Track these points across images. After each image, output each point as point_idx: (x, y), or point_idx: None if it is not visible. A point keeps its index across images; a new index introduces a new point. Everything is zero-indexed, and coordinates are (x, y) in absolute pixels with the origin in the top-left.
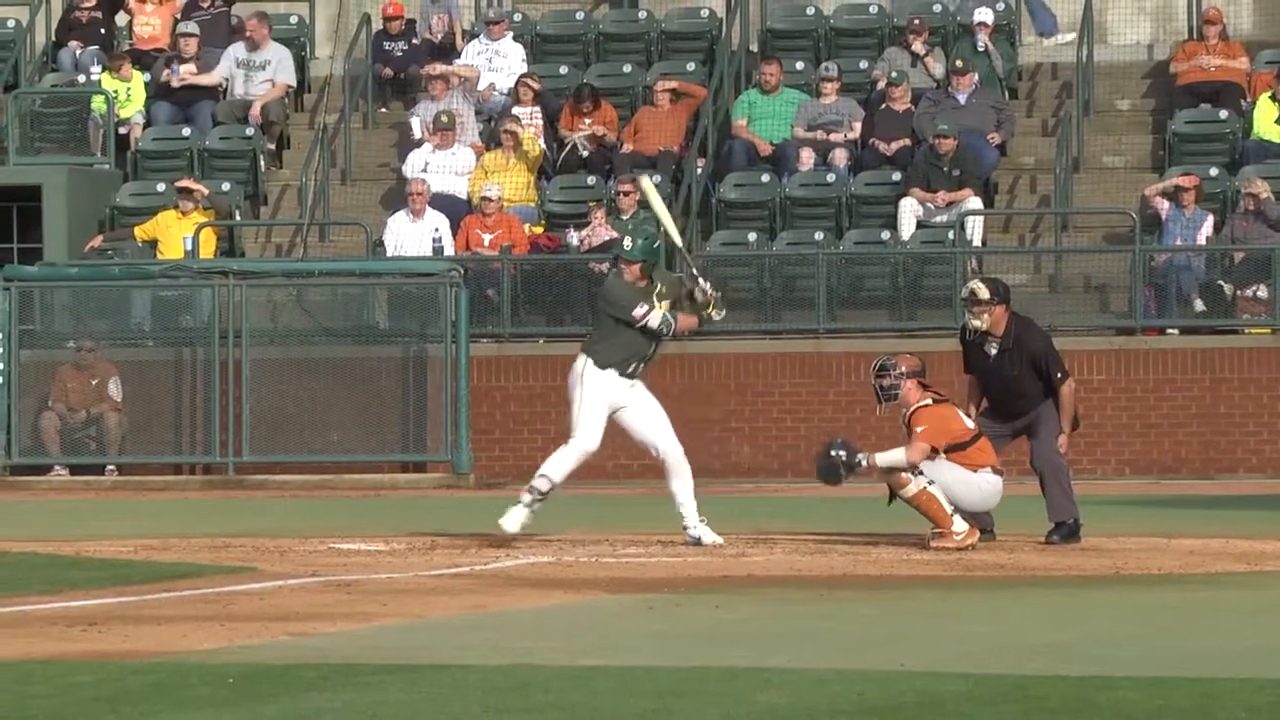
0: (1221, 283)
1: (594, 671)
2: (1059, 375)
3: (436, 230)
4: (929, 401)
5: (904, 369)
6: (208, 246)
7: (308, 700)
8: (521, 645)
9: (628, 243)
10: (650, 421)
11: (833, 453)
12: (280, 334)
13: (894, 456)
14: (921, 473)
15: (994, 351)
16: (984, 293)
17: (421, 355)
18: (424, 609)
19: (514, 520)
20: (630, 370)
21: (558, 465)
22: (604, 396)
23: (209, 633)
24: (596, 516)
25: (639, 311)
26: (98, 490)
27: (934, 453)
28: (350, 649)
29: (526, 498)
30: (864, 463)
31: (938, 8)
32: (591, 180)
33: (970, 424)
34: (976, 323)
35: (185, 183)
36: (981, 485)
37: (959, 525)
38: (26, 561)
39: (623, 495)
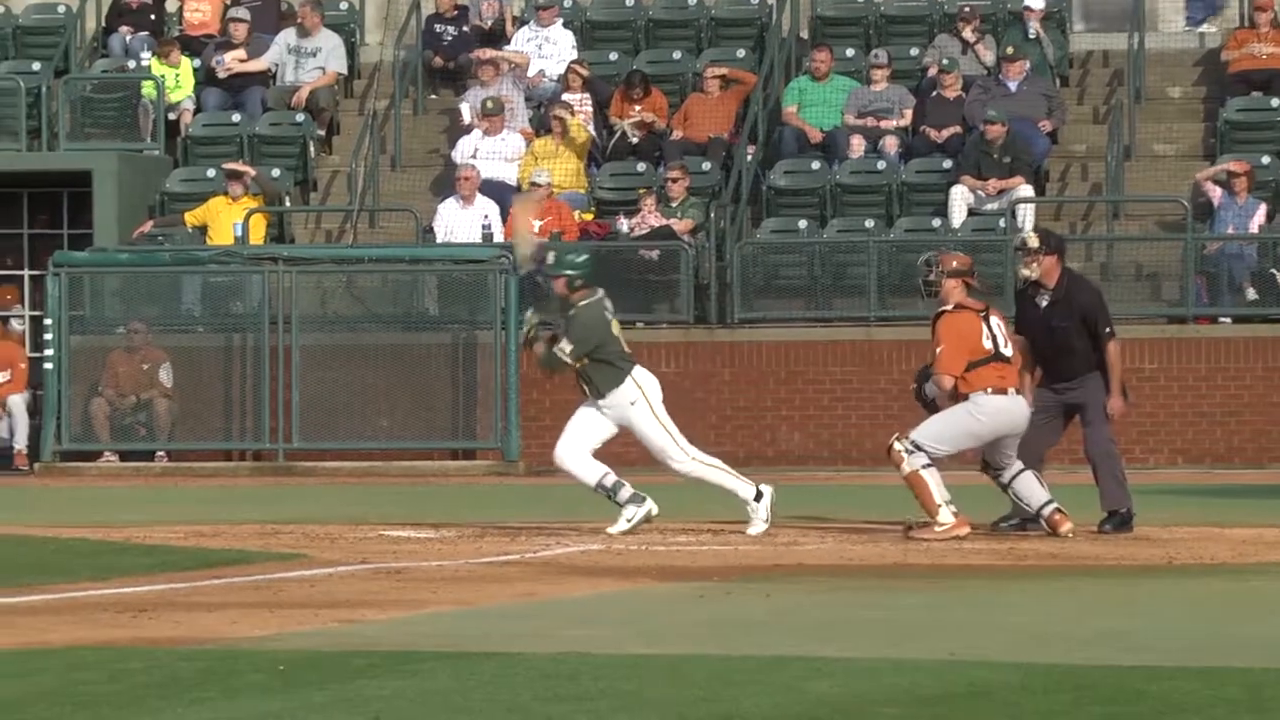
0: (1274, 271)
1: (644, 660)
2: (1107, 331)
3: (486, 216)
4: (950, 307)
5: (954, 265)
6: (257, 232)
7: (357, 687)
8: (572, 633)
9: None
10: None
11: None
12: (330, 320)
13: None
14: (916, 450)
15: (1044, 304)
16: (1034, 241)
17: (471, 342)
18: (474, 596)
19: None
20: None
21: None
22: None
23: (259, 619)
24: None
25: None
26: (147, 476)
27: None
28: (400, 636)
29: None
30: (930, 397)
31: None
32: (641, 167)
33: (989, 345)
34: (1026, 272)
35: (232, 165)
36: (1001, 409)
37: (945, 516)
38: (76, 548)
39: (673, 484)
